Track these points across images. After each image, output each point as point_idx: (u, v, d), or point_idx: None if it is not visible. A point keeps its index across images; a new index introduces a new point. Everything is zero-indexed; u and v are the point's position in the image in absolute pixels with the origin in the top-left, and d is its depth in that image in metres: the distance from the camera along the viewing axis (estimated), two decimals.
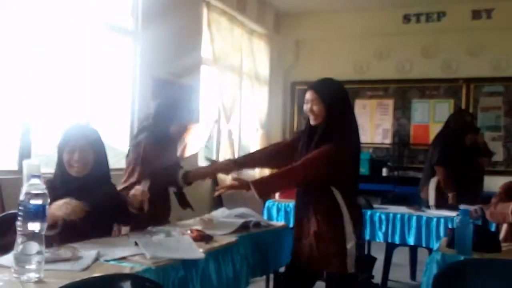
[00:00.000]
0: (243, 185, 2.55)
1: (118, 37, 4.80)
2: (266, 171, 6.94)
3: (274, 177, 2.68)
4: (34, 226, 1.62)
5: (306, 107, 2.59)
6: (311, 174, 2.50)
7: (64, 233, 2.12)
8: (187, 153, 3.41)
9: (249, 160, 2.99)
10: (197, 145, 3.49)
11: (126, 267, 1.83)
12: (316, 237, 2.53)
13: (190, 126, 3.35)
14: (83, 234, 2.19)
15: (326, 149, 2.48)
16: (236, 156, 6.53)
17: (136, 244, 2.12)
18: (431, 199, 4.70)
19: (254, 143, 7.36)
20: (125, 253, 2.00)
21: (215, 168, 3.00)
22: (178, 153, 3.36)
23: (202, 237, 2.40)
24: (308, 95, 2.58)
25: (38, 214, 1.63)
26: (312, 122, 2.59)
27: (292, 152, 2.69)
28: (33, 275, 1.61)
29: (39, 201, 1.63)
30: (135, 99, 4.88)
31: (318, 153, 2.49)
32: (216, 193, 2.61)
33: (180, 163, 3.16)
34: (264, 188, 2.55)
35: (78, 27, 4.21)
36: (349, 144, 2.57)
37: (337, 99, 2.58)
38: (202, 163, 6.35)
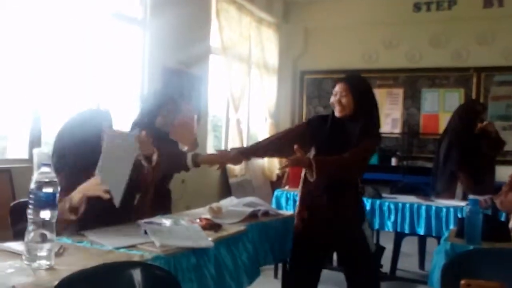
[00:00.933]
0: (304, 161, 2.59)
1: (127, 26, 4.80)
2: (275, 161, 6.96)
3: (334, 163, 2.65)
4: (45, 214, 1.63)
5: (334, 98, 2.70)
6: (362, 169, 2.76)
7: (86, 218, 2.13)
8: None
9: (256, 150, 3.04)
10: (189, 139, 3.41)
11: (135, 255, 1.84)
12: (342, 218, 2.74)
13: (181, 118, 3.27)
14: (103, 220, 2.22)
15: (370, 145, 2.70)
16: (245, 145, 6.54)
17: (145, 232, 2.13)
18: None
19: (262, 133, 7.36)
20: (135, 241, 2.02)
21: (225, 157, 2.98)
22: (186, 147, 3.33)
23: (211, 226, 2.42)
24: (338, 87, 2.70)
25: (48, 202, 1.64)
26: (337, 114, 2.70)
27: (296, 141, 2.69)
28: (44, 263, 1.62)
29: (49, 189, 1.64)
30: (144, 88, 4.89)
31: (365, 150, 2.67)
32: (281, 169, 2.72)
33: (180, 148, 3.16)
34: (323, 170, 2.57)
35: (87, 16, 4.21)
36: (380, 139, 2.88)
37: (366, 93, 2.74)
38: (211, 151, 6.37)
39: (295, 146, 2.56)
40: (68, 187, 2.06)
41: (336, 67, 7.27)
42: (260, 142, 3.16)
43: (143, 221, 2.43)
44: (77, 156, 2.22)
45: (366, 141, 2.65)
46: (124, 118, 4.91)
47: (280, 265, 3.94)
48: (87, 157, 2.16)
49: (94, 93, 4.33)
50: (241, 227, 2.54)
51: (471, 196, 2.62)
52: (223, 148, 6.59)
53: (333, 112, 2.74)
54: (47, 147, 3.72)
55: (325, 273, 3.00)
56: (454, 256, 2.24)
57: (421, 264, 4.93)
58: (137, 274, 1.53)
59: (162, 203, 3.09)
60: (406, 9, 7.16)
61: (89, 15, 4.23)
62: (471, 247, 2.30)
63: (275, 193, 4.76)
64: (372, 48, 7.49)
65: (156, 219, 2.50)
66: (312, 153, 2.77)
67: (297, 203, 2.93)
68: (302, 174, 2.85)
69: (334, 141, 2.71)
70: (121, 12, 4.66)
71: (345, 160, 2.61)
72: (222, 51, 6.07)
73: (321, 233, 2.76)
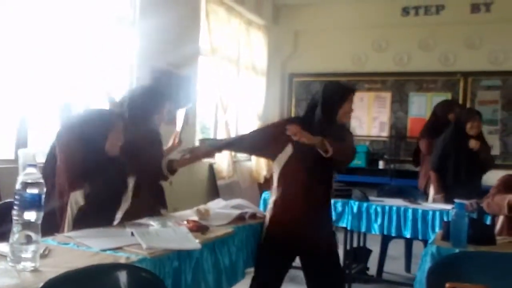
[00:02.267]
0: (316, 137, 2.57)
1: (116, 26, 4.77)
2: (263, 163, 6.97)
3: (342, 148, 2.70)
4: (30, 215, 1.62)
5: (352, 107, 2.82)
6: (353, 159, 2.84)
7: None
8: (179, 141, 3.28)
9: (228, 145, 3.12)
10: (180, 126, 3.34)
11: (122, 257, 1.83)
12: (321, 219, 2.80)
13: (179, 113, 3.26)
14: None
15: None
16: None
17: (132, 234, 2.12)
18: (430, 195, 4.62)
19: None
20: (121, 243, 2.00)
21: (198, 153, 2.99)
22: (170, 143, 3.28)
23: (198, 228, 2.41)
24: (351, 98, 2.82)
25: (34, 203, 1.63)
26: (346, 120, 2.91)
27: (272, 139, 2.77)
28: (29, 264, 1.61)
29: (35, 190, 1.63)
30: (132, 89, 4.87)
31: (353, 143, 2.87)
32: (299, 138, 2.54)
33: (163, 153, 3.08)
34: (334, 150, 2.59)
35: (75, 16, 4.18)
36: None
37: None
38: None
39: (292, 126, 2.55)
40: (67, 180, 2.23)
41: (325, 70, 7.30)
42: (234, 137, 3.21)
43: (130, 223, 2.43)
44: (81, 152, 2.31)
45: (350, 137, 2.87)
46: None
47: None
48: (90, 152, 2.30)
49: (82, 93, 4.30)
50: (229, 230, 2.54)
51: (457, 200, 2.63)
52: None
53: (324, 115, 2.73)
54: (33, 148, 3.69)
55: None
56: (440, 259, 2.26)
57: (407, 267, 4.96)
58: (123, 277, 1.52)
59: (157, 200, 3.08)
60: (394, 13, 7.21)
61: (79, 16, 4.20)
62: (457, 250, 2.32)
63: (263, 195, 4.76)
64: (360, 51, 7.52)
65: (143, 221, 2.49)
66: (287, 152, 2.73)
67: (271, 206, 2.84)
68: (276, 177, 2.82)
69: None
70: (110, 13, 4.63)
71: (348, 149, 2.78)
72: (211, 53, 6.07)
73: (298, 237, 2.72)
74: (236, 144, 3.06)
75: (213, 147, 2.97)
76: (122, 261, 1.79)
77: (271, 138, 2.79)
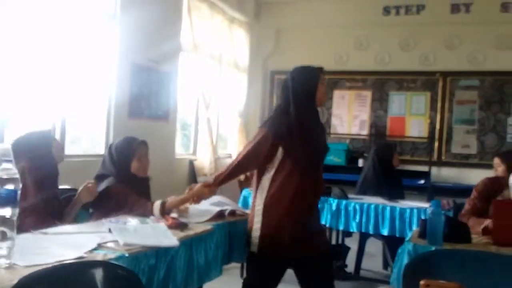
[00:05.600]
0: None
1: (97, 21, 4.72)
2: None
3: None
4: (5, 212, 1.60)
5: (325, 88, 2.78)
6: None
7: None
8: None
9: (226, 177, 2.75)
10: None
11: (98, 254, 1.82)
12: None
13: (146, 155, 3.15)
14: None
15: None
16: (214, 143, 6.52)
17: (110, 230, 2.11)
18: None
19: (232, 132, 7.36)
20: (99, 240, 1.99)
21: (192, 194, 2.77)
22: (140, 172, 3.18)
23: (177, 225, 2.40)
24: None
25: (9, 199, 1.60)
26: (324, 102, 2.89)
27: (265, 155, 2.59)
28: (4, 261, 1.59)
29: (10, 186, 1.61)
30: (113, 84, 4.83)
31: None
32: None
33: (149, 197, 3.00)
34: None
35: (56, 10, 4.13)
36: None
37: None
38: (179, 150, 6.34)
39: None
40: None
41: None
42: (229, 170, 2.75)
43: (108, 219, 2.41)
44: (30, 169, 2.40)
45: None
46: (91, 115, 4.86)
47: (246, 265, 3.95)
48: (38, 170, 2.43)
49: (61, 89, 4.25)
50: (208, 227, 2.54)
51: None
52: (192, 149, 6.57)
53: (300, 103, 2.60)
54: (9, 143, 3.63)
55: None
56: (416, 257, 2.29)
57: (385, 264, 5.01)
58: (99, 274, 1.51)
59: (142, 192, 3.07)
60: (376, 12, 7.26)
61: (59, 9, 4.14)
62: (433, 248, 2.35)
63: (243, 192, 4.77)
64: (342, 50, 7.56)
65: (121, 218, 2.48)
66: (278, 155, 2.57)
67: (259, 211, 2.62)
68: (267, 182, 2.61)
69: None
70: (91, 7, 4.57)
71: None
72: (193, 49, 6.04)
73: (298, 243, 2.57)
74: (237, 171, 2.75)
75: (210, 185, 2.74)
76: (99, 258, 1.77)
77: (264, 149, 2.59)
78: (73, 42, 4.32)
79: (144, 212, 2.64)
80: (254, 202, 2.68)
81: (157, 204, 2.68)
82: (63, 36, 4.20)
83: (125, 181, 2.81)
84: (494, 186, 2.91)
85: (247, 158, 2.65)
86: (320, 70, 2.71)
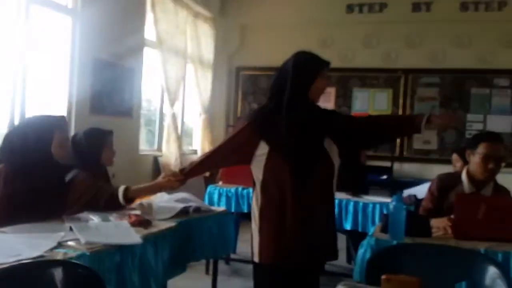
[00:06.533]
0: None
1: (56, 14, 4.60)
2: None
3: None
4: None
5: (325, 85, 2.60)
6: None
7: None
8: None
9: (195, 169, 2.55)
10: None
11: (59, 253, 1.78)
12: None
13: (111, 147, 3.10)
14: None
15: None
16: (178, 139, 6.47)
17: (70, 229, 2.06)
18: None
19: (197, 128, 7.32)
20: (59, 238, 1.94)
21: (158, 185, 2.67)
22: (108, 162, 3.10)
23: (140, 222, 2.37)
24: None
25: None
26: (317, 100, 2.56)
27: (242, 147, 2.38)
28: None
29: None
30: (73, 80, 4.72)
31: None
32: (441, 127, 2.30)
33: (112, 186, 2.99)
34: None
35: (13, 3, 4.01)
36: None
37: None
38: (144, 146, 6.26)
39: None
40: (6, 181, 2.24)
41: (271, 64, 7.25)
42: (198, 160, 2.57)
43: (69, 217, 2.36)
44: (23, 156, 2.33)
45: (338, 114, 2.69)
46: (49, 112, 4.74)
47: (211, 261, 3.94)
48: (33, 158, 2.33)
49: (19, 84, 4.13)
50: (172, 224, 2.52)
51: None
52: (156, 144, 6.50)
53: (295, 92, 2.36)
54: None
55: None
56: (377, 251, 2.32)
57: (348, 259, 5.07)
58: (58, 273, 1.47)
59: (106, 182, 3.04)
60: (339, 9, 7.32)
61: (17, 2, 4.02)
62: (395, 242, 2.39)
63: (208, 189, 4.75)
64: (306, 46, 7.36)
65: (83, 215, 2.43)
66: (263, 150, 2.31)
67: (256, 216, 2.35)
68: (258, 184, 2.34)
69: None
70: (49, 0, 4.46)
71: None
72: (158, 45, 5.97)
73: (295, 252, 2.28)
74: (207, 162, 2.53)
75: (185, 173, 2.53)
76: (59, 257, 1.74)
77: (240, 143, 2.37)
78: (32, 37, 4.20)
79: (113, 201, 2.63)
80: (251, 206, 2.43)
81: (121, 189, 2.68)
82: (20, 31, 4.08)
83: (92, 171, 2.77)
84: (449, 182, 2.94)
85: (218, 152, 2.46)
86: (325, 63, 2.48)
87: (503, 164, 2.78)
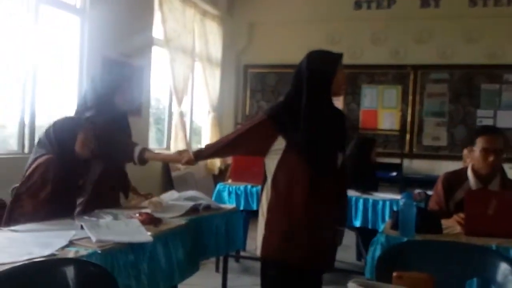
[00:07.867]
0: None
1: (65, 14, 4.63)
2: None
3: None
4: None
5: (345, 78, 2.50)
6: None
7: None
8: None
9: (211, 151, 2.52)
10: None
11: (70, 251, 1.79)
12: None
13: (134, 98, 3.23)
14: None
15: None
16: (187, 139, 6.49)
17: (82, 227, 2.08)
18: None
19: (205, 126, 7.33)
20: (70, 237, 1.96)
21: (175, 158, 2.69)
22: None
23: (150, 220, 2.38)
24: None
25: None
26: (341, 94, 2.53)
27: (257, 139, 2.37)
28: None
29: None
30: (82, 79, 4.74)
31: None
32: None
33: (131, 137, 3.09)
34: None
35: (23, 3, 4.03)
36: None
37: None
38: (153, 144, 6.28)
39: None
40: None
41: (280, 62, 7.33)
42: (213, 148, 2.52)
43: (80, 216, 2.38)
44: (55, 147, 2.56)
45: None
46: (60, 111, 4.76)
47: (221, 259, 3.95)
48: (61, 150, 2.57)
49: (30, 84, 4.16)
50: (182, 222, 2.53)
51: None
52: (165, 141, 6.52)
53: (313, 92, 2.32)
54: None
55: None
56: (388, 248, 2.31)
57: (358, 256, 5.07)
58: (70, 271, 1.48)
59: (119, 184, 3.11)
60: (347, 6, 7.30)
61: (26, 3, 4.04)
62: (405, 239, 2.38)
63: (217, 187, 4.76)
64: (315, 44, 7.40)
65: (94, 214, 2.45)
66: (281, 144, 2.28)
67: (264, 211, 2.34)
68: (270, 178, 2.33)
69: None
70: (59, 0, 4.48)
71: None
72: (165, 43, 5.98)
73: (306, 251, 2.28)
74: (221, 152, 2.56)
75: (195, 155, 2.53)
76: (71, 255, 1.75)
77: (258, 136, 2.34)
78: (41, 37, 4.22)
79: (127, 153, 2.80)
80: (260, 200, 2.42)
81: (137, 149, 2.78)
82: (30, 31, 4.10)
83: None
84: (455, 180, 2.91)
85: (239, 138, 2.38)
86: (339, 56, 2.40)
87: (504, 155, 2.77)
